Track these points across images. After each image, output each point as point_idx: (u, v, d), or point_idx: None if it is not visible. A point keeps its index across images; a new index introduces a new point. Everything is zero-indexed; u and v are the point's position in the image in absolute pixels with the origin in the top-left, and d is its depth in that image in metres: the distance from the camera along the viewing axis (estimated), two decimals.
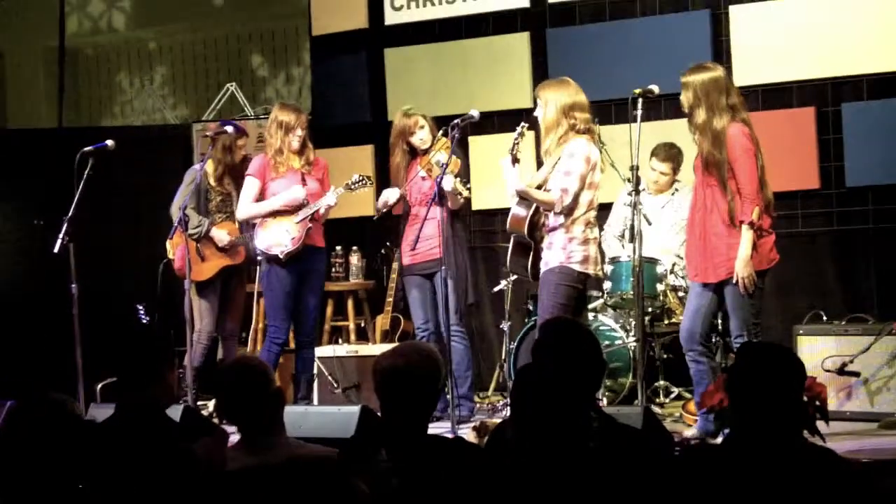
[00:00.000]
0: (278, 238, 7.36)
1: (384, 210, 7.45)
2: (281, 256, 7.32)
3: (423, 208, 7.10)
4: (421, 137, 7.35)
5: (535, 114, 6.69)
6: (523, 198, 6.62)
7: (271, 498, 3.66)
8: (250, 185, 7.45)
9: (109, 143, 7.34)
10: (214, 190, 7.78)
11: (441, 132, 7.13)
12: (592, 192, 6.56)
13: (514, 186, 6.57)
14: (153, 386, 4.13)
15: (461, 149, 7.45)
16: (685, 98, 6.18)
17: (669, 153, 7.65)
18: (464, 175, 7.19)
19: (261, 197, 7.44)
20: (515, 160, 6.60)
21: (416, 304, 7.40)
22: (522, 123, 6.72)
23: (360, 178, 7.45)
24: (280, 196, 7.36)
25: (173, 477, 3.86)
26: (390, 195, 7.38)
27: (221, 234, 7.71)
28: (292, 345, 7.66)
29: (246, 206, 7.46)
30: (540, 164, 6.75)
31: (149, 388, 4.12)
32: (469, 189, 7.16)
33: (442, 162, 7.04)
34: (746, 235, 6.00)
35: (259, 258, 7.54)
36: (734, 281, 6.03)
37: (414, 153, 7.41)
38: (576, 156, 6.49)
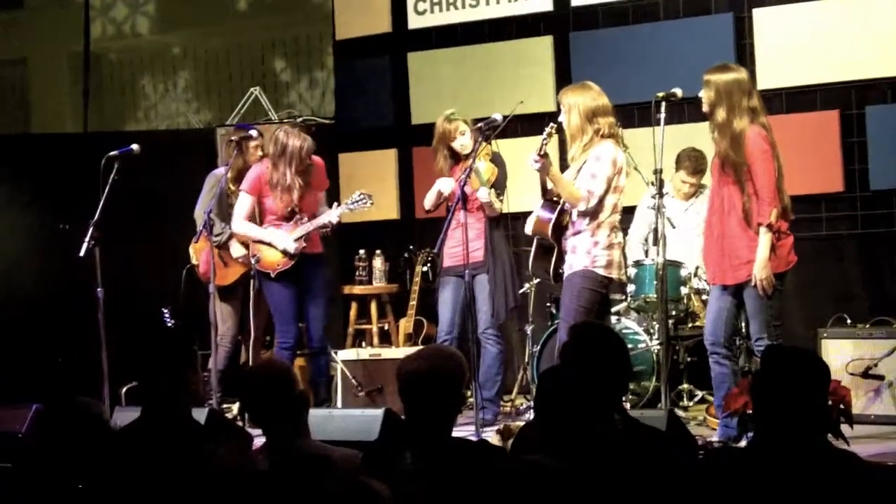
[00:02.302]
0: (272, 254, 7.36)
1: (439, 202, 7.41)
2: (272, 274, 7.33)
3: (465, 213, 6.99)
4: (462, 143, 7.32)
5: (560, 119, 6.69)
6: (551, 200, 6.61)
7: (294, 499, 3.67)
8: (243, 200, 7.44)
9: (135, 147, 7.37)
10: (234, 194, 7.78)
11: (482, 138, 7.08)
12: (617, 196, 6.56)
13: (547, 172, 6.50)
14: (178, 389, 4.15)
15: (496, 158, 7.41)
16: (706, 96, 6.17)
17: (697, 165, 7.57)
18: (501, 184, 7.20)
19: (257, 209, 7.44)
20: (545, 157, 6.54)
21: (445, 306, 7.38)
22: (551, 124, 6.64)
23: (361, 196, 7.38)
24: (274, 235, 7.33)
25: (198, 479, 3.88)
26: (444, 186, 7.34)
27: (237, 248, 7.74)
28: None
29: (241, 223, 7.45)
30: (563, 168, 6.73)
31: (174, 391, 4.13)
32: (502, 199, 7.17)
33: (480, 170, 7.05)
34: (764, 238, 5.99)
35: (252, 272, 7.51)
36: (753, 283, 6.03)
37: (456, 158, 7.41)
38: (602, 159, 6.48)
